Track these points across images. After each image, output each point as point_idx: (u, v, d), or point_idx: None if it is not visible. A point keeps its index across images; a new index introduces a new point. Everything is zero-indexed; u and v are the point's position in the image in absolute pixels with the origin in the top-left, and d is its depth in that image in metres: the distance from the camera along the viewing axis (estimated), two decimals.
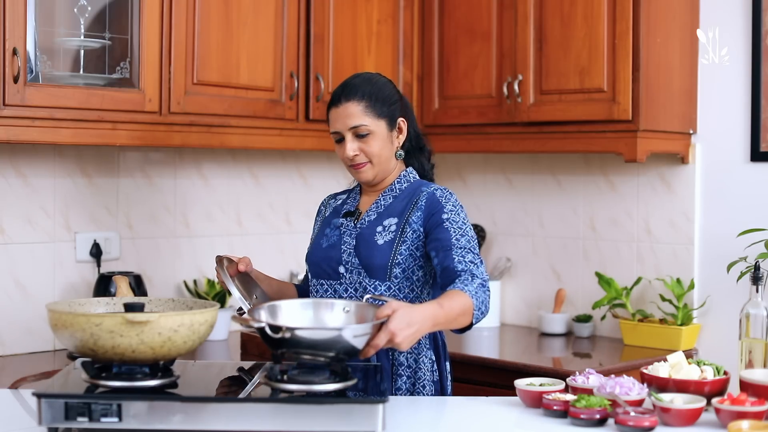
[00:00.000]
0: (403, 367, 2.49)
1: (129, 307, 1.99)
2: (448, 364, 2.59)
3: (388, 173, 2.58)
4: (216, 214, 3.78)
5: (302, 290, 2.71)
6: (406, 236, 2.49)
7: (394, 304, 2.09)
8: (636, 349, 3.49)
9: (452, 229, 2.44)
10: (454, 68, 3.81)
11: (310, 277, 2.61)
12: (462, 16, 3.79)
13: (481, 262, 2.42)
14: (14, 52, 2.83)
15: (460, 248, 2.41)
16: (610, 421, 2.06)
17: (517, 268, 4.01)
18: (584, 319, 3.73)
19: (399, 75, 3.85)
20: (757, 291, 2.40)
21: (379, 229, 2.51)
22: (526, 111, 3.58)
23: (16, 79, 2.84)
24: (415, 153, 2.66)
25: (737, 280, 3.18)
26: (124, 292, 2.88)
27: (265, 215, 3.91)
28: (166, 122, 3.19)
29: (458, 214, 2.48)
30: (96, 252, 3.42)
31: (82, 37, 3.07)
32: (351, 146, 2.51)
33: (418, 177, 2.62)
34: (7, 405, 2.19)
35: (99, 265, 3.41)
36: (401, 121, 2.59)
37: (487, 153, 3.95)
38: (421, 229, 2.48)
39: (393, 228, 2.50)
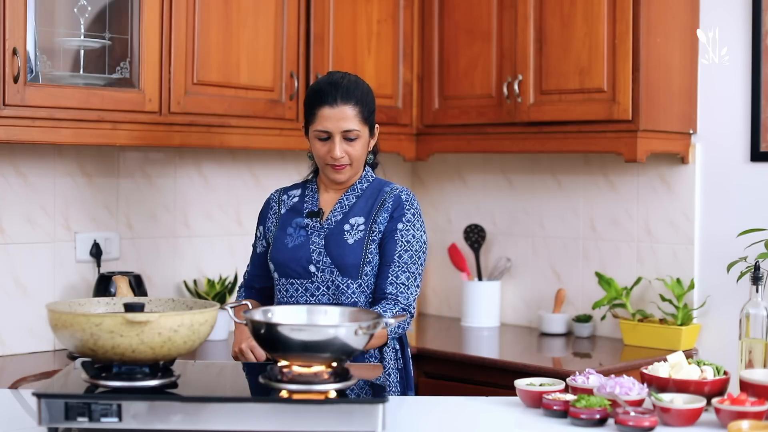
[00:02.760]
0: (370, 358, 2.61)
1: (129, 307, 1.98)
2: (409, 350, 2.72)
3: (358, 174, 2.69)
4: (216, 214, 3.78)
5: (262, 296, 2.80)
6: (374, 236, 2.61)
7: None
8: (636, 349, 3.49)
9: (400, 242, 2.59)
10: (454, 68, 3.81)
11: (276, 276, 2.66)
12: (462, 16, 3.79)
13: (417, 280, 2.60)
14: (14, 52, 2.83)
15: (399, 265, 2.57)
16: (610, 421, 2.06)
17: (517, 268, 4.01)
18: (584, 319, 3.73)
19: (399, 75, 3.85)
20: (757, 291, 2.40)
21: (347, 227, 2.62)
22: (526, 111, 3.58)
23: (16, 79, 2.84)
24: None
25: (737, 280, 3.18)
26: (124, 292, 2.88)
27: None
28: (166, 122, 3.19)
29: (413, 225, 2.62)
30: (96, 252, 3.42)
31: (82, 37, 3.07)
32: (341, 147, 2.59)
33: (374, 175, 2.74)
34: (7, 405, 2.19)
35: (99, 265, 3.41)
36: (377, 128, 2.72)
37: (487, 153, 3.95)
38: (383, 230, 2.62)
39: (361, 228, 2.61)
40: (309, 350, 1.95)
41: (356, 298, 2.60)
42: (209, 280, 3.66)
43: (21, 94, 2.86)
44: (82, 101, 2.99)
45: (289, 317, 2.15)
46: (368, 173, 2.72)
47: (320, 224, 2.63)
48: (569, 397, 2.15)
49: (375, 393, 2.02)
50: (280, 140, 3.51)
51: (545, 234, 3.93)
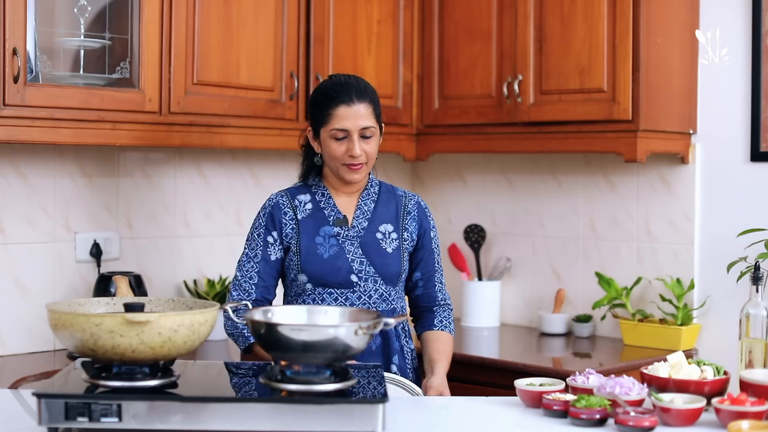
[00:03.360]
0: (406, 351, 2.70)
1: (129, 307, 1.98)
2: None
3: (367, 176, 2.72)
4: (216, 214, 3.78)
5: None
6: (407, 244, 2.70)
7: (435, 388, 2.54)
8: (636, 349, 3.49)
9: (435, 251, 2.75)
10: (454, 68, 3.81)
11: (310, 286, 2.61)
12: (462, 16, 3.79)
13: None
14: (14, 52, 2.83)
15: (440, 271, 2.76)
16: (610, 421, 2.06)
17: (517, 268, 4.01)
18: (584, 319, 3.73)
19: (399, 75, 3.85)
20: (757, 291, 2.40)
21: (379, 236, 2.65)
22: (526, 111, 3.58)
23: (16, 79, 2.84)
24: None
25: (737, 280, 3.18)
26: (124, 292, 2.88)
27: None
28: (166, 122, 3.19)
29: (436, 230, 2.77)
30: (96, 252, 3.42)
31: (82, 37, 3.07)
32: (360, 146, 2.59)
33: (375, 178, 2.76)
34: (7, 405, 2.19)
35: (99, 265, 3.41)
36: (382, 127, 2.73)
37: (487, 153, 3.95)
38: (415, 237, 2.71)
39: (394, 236, 2.67)
40: (309, 350, 1.95)
41: (395, 304, 2.67)
42: (209, 280, 3.66)
43: (21, 94, 2.86)
44: (82, 101, 2.99)
45: (290, 317, 2.15)
46: (373, 176, 2.75)
47: (350, 232, 2.63)
48: (569, 397, 2.15)
49: (375, 393, 2.02)
50: (280, 140, 3.51)
51: (545, 234, 3.93)
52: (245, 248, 2.67)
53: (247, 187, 3.85)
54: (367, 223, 2.65)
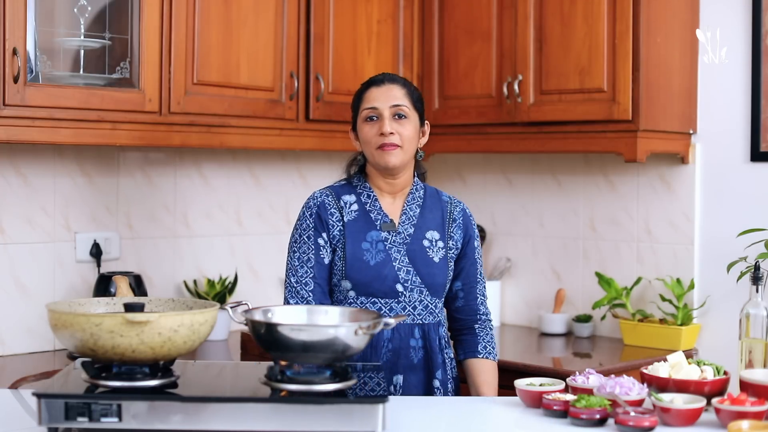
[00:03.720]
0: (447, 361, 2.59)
1: (129, 307, 1.98)
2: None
3: (407, 167, 2.57)
4: (216, 214, 3.78)
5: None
6: (452, 253, 2.58)
7: None
8: (636, 349, 3.49)
9: (478, 261, 2.63)
10: (454, 68, 3.81)
11: (353, 294, 2.49)
12: (462, 16, 3.79)
13: None
14: (14, 52, 2.83)
15: (482, 283, 2.64)
16: (610, 421, 2.06)
17: (517, 268, 4.01)
18: (584, 319, 3.73)
19: (399, 75, 3.84)
20: (757, 291, 2.40)
21: (426, 243, 2.54)
22: (526, 111, 3.58)
23: (16, 79, 2.84)
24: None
25: (737, 280, 3.18)
26: (124, 292, 2.88)
27: (265, 215, 3.91)
28: (166, 122, 3.19)
29: (479, 240, 2.67)
30: (96, 252, 3.42)
31: (82, 37, 3.07)
32: (390, 124, 2.49)
33: (420, 181, 2.65)
34: (7, 405, 2.19)
35: (99, 265, 3.41)
36: (427, 124, 2.63)
37: (487, 153, 3.95)
38: (460, 246, 2.60)
39: (441, 244, 2.56)
40: (309, 350, 1.95)
41: (440, 317, 2.57)
42: (209, 280, 3.66)
43: (21, 94, 2.86)
44: (82, 101, 2.99)
45: (289, 317, 2.15)
46: (417, 179, 2.63)
47: (397, 237, 2.52)
48: (569, 397, 2.15)
49: (375, 393, 2.02)
50: (280, 140, 3.51)
51: (545, 234, 3.93)
52: (294, 251, 2.52)
53: (247, 187, 3.85)
54: (413, 229, 2.54)
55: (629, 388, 2.12)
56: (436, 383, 2.53)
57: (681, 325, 3.47)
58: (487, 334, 2.63)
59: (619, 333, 3.65)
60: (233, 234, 3.82)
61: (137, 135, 3.13)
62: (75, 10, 3.06)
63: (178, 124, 3.23)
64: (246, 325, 2.05)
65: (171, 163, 3.65)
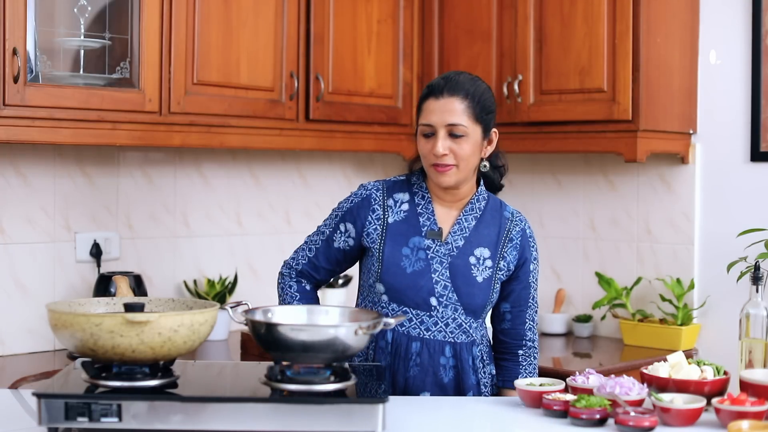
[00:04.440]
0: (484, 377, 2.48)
1: (129, 307, 1.98)
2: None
3: (467, 182, 2.42)
4: (216, 214, 3.78)
5: (314, 294, 2.55)
6: (501, 274, 2.43)
7: None
8: (636, 349, 3.49)
9: (533, 285, 2.48)
10: (455, 68, 3.80)
11: (386, 298, 2.40)
12: (462, 16, 3.79)
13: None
14: (14, 52, 2.83)
15: (533, 307, 2.50)
16: (610, 421, 2.05)
17: None
18: (584, 319, 3.73)
19: (399, 75, 3.85)
20: (757, 291, 2.40)
21: (473, 261, 2.39)
22: (526, 111, 3.58)
23: (16, 79, 2.84)
24: (491, 168, 2.52)
25: (737, 280, 3.18)
26: (124, 292, 2.88)
27: (265, 215, 3.91)
28: (166, 122, 3.19)
29: (537, 263, 2.51)
30: (96, 252, 3.42)
31: (82, 37, 3.07)
32: (443, 144, 2.33)
33: (487, 191, 2.51)
34: (7, 405, 2.19)
35: (99, 265, 3.41)
36: (494, 132, 2.45)
37: None
38: (512, 268, 2.46)
39: (489, 263, 2.40)
40: (309, 350, 1.95)
41: (475, 335, 2.43)
42: (209, 280, 3.66)
43: (21, 94, 2.86)
44: (82, 101, 2.99)
45: (290, 317, 2.15)
46: (482, 189, 2.47)
47: (442, 248, 2.38)
48: (569, 397, 2.14)
49: (375, 393, 2.02)
50: (280, 140, 3.51)
51: (545, 234, 3.93)
52: (325, 220, 2.49)
53: (247, 187, 3.85)
54: (462, 242, 2.39)
55: (629, 388, 2.12)
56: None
57: (681, 325, 3.47)
58: (530, 364, 2.50)
59: (619, 333, 3.65)
60: (233, 234, 3.82)
61: (137, 135, 3.13)
62: (75, 10, 3.06)
63: (178, 124, 3.23)
64: (246, 325, 2.05)
65: (171, 163, 3.65)
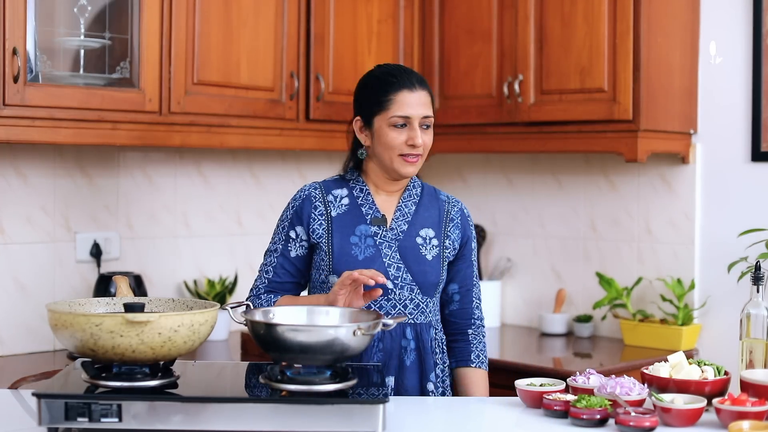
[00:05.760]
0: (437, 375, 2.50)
1: (129, 307, 1.98)
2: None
3: None
4: (216, 214, 3.78)
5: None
6: (448, 252, 2.50)
7: None
8: (636, 350, 3.49)
9: (474, 264, 2.56)
10: (455, 68, 3.81)
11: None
12: (462, 15, 3.79)
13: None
14: (14, 52, 2.83)
15: (477, 287, 2.57)
16: (611, 421, 2.05)
17: (518, 268, 4.01)
18: (585, 319, 3.73)
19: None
20: (757, 291, 2.40)
21: (420, 241, 2.46)
22: (526, 111, 3.57)
23: (16, 79, 2.84)
24: None
25: (738, 280, 3.18)
26: (124, 292, 2.87)
27: (265, 215, 3.91)
28: (166, 122, 3.19)
29: (476, 242, 2.59)
30: (96, 252, 3.42)
31: (82, 37, 3.07)
32: (421, 135, 2.40)
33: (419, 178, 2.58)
34: (7, 405, 2.19)
35: (99, 265, 3.41)
36: None
37: (487, 153, 3.95)
38: (457, 246, 2.52)
39: (435, 242, 2.47)
40: (308, 351, 1.95)
41: (432, 317, 2.48)
42: (209, 280, 3.66)
43: (21, 94, 2.86)
44: (82, 101, 2.99)
45: (289, 318, 2.15)
46: (415, 176, 2.54)
47: (388, 233, 2.44)
48: (570, 397, 2.14)
49: (375, 393, 2.01)
50: (280, 140, 3.51)
51: (546, 234, 3.93)
52: (271, 239, 2.52)
53: (247, 186, 3.85)
54: (407, 226, 2.45)
55: (630, 388, 2.12)
56: (430, 386, 2.46)
57: (681, 325, 3.47)
58: (480, 342, 2.56)
59: (619, 333, 3.65)
60: (233, 234, 3.82)
61: (137, 135, 3.13)
62: (75, 10, 3.05)
63: (178, 124, 3.23)
64: (245, 325, 2.05)
65: (171, 163, 3.65)
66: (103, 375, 1.95)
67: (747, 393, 2.10)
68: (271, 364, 2.10)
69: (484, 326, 2.59)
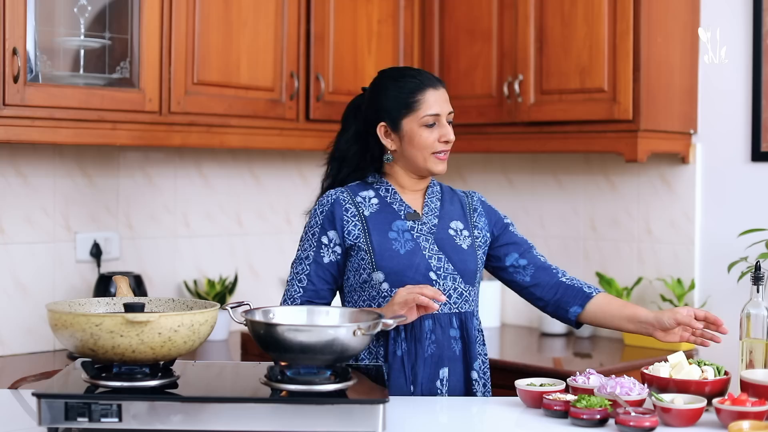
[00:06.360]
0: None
1: (129, 307, 1.98)
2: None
3: None
4: (216, 214, 3.78)
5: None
6: (479, 241, 2.52)
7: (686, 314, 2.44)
8: (636, 349, 3.49)
9: (517, 231, 2.60)
10: (455, 68, 3.81)
11: (386, 286, 2.38)
12: (462, 15, 3.79)
13: None
14: (14, 52, 2.83)
15: (534, 247, 2.60)
16: (611, 421, 2.05)
17: None
18: None
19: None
20: (757, 291, 2.40)
21: (452, 232, 2.48)
22: (526, 111, 3.57)
23: (16, 79, 2.84)
24: None
25: (738, 280, 3.18)
26: (124, 292, 2.87)
27: (265, 215, 3.91)
28: (166, 122, 3.19)
29: (505, 216, 2.62)
30: (96, 252, 3.42)
31: (82, 37, 3.07)
32: (451, 130, 2.48)
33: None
34: (7, 405, 2.19)
35: (99, 265, 3.41)
36: None
37: (487, 153, 3.95)
38: (488, 234, 2.55)
39: (466, 233, 2.50)
40: (308, 351, 1.95)
41: (474, 306, 2.49)
42: (209, 280, 3.66)
43: (21, 94, 2.86)
44: (82, 101, 2.99)
45: (289, 318, 2.15)
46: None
47: (423, 227, 2.45)
48: (570, 397, 2.14)
49: (375, 393, 2.01)
50: (280, 140, 3.51)
51: (546, 234, 3.93)
52: (298, 248, 2.47)
53: (247, 187, 3.85)
54: (437, 219, 2.47)
55: (630, 388, 2.12)
56: (474, 375, 2.46)
57: None
58: (577, 280, 2.58)
59: (619, 333, 3.65)
60: (233, 234, 3.82)
61: (137, 135, 3.13)
62: (75, 10, 3.05)
63: (178, 124, 3.23)
64: (245, 325, 2.05)
65: (171, 163, 3.65)
66: (103, 375, 1.95)
67: (747, 393, 2.10)
68: (272, 363, 2.10)
69: (558, 266, 2.61)
